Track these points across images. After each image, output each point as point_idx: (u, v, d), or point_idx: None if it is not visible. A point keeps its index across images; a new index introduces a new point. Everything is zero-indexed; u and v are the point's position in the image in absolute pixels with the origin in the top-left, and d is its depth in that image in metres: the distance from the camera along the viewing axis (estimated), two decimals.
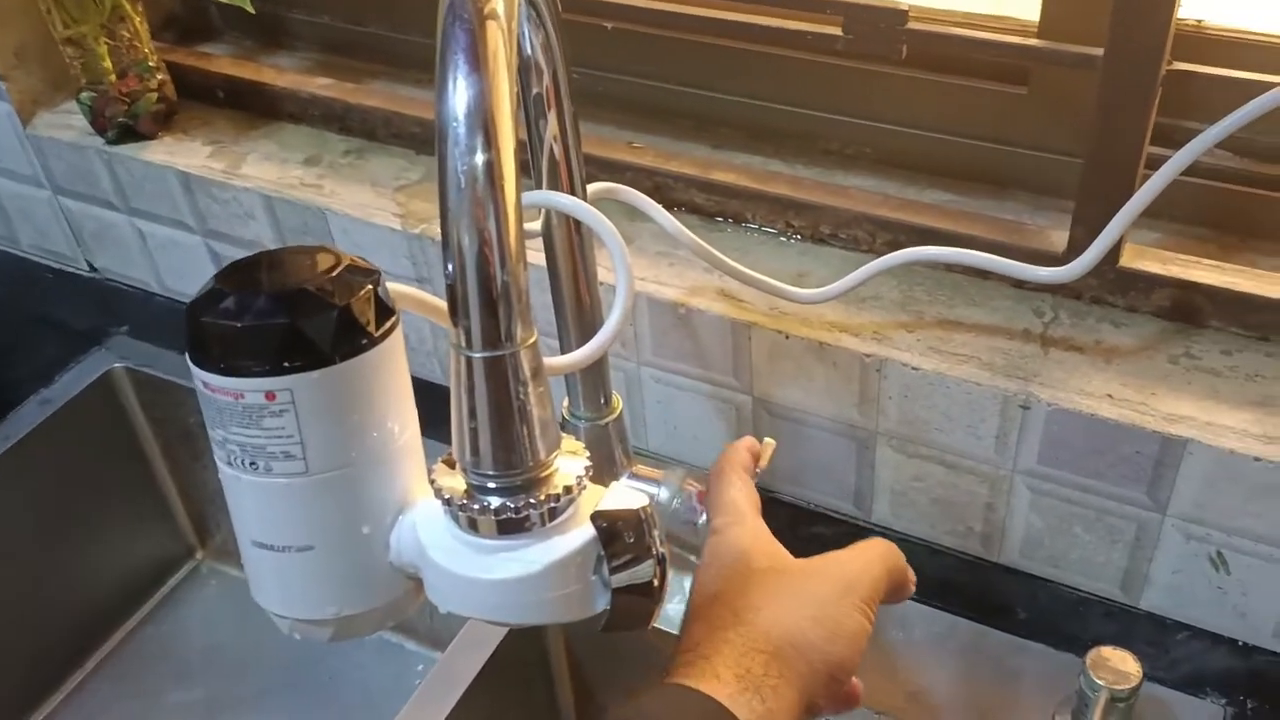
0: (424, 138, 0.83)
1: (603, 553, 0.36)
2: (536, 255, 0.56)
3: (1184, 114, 0.63)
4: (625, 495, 0.37)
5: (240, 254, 0.43)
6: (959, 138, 0.72)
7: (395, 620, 0.40)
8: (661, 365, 0.72)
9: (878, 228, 0.69)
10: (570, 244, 0.58)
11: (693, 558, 0.66)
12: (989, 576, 0.69)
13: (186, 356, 0.37)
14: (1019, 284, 0.67)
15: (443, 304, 0.39)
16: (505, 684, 0.67)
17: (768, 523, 0.73)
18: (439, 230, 0.34)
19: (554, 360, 0.49)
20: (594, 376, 0.63)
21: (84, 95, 0.85)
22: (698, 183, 0.74)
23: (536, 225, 0.58)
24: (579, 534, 0.36)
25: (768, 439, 0.61)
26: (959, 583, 0.69)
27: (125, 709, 0.91)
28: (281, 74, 0.89)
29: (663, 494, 0.66)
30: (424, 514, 0.38)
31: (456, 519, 0.37)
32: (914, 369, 0.63)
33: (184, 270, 0.92)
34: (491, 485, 0.36)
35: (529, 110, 0.53)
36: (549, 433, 0.36)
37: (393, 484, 0.38)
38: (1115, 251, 0.64)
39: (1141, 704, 0.61)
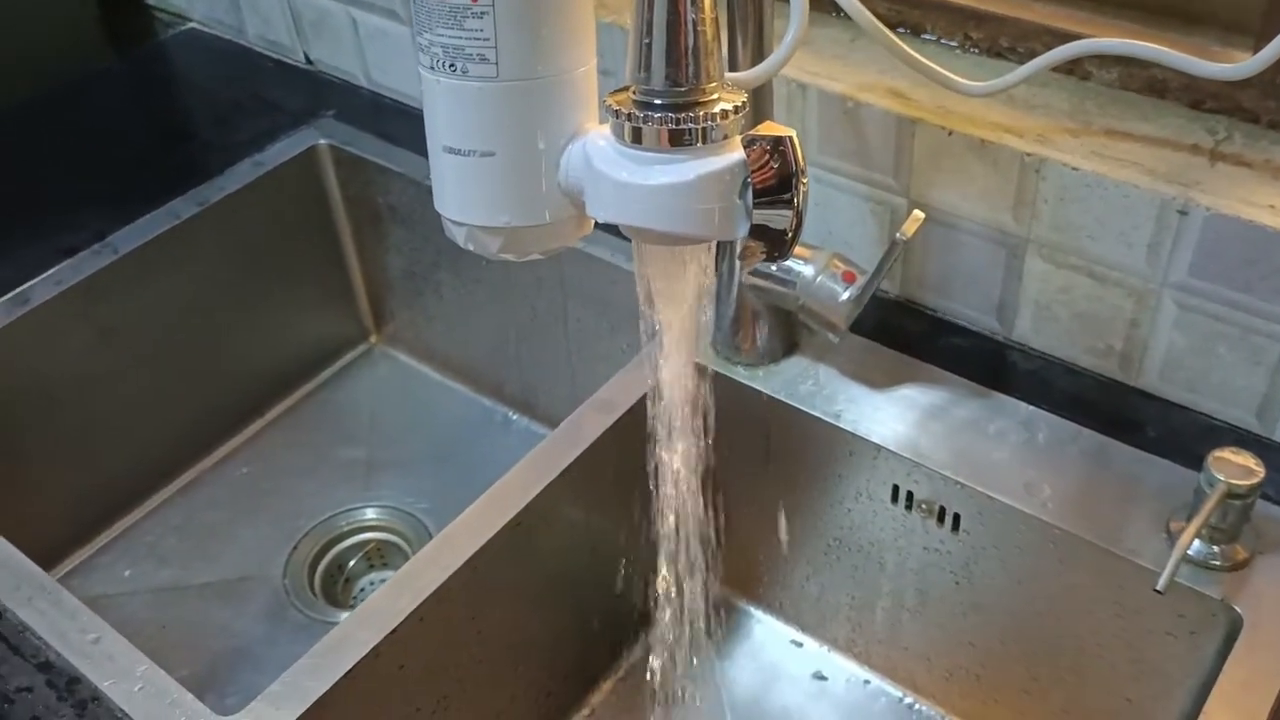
0: None
1: (749, 178, 0.40)
2: None
3: None
4: (775, 127, 0.40)
5: None
6: None
7: (558, 246, 0.45)
8: (823, 164, 0.75)
9: (1058, 40, 0.70)
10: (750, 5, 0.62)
11: (831, 335, 0.69)
12: (1124, 398, 0.70)
13: None
14: (1195, 104, 0.67)
15: None
16: (597, 471, 0.72)
17: (907, 331, 0.76)
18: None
19: (729, 75, 0.53)
20: None
21: None
22: None
23: None
24: (730, 155, 0.40)
25: (916, 211, 0.63)
26: (1091, 401, 0.70)
27: (296, 456, 1.00)
28: None
29: (809, 270, 0.69)
30: (593, 140, 0.42)
31: (621, 132, 0.41)
32: (1073, 169, 0.64)
33: (389, 64, 0.99)
34: (657, 101, 0.40)
35: None
36: (714, 63, 0.40)
37: (570, 107, 0.43)
38: None
39: (1263, 523, 0.62)
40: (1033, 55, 0.71)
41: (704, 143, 0.40)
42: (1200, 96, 0.67)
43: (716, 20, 0.40)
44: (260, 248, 0.98)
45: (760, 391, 0.73)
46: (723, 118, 0.40)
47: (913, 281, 0.76)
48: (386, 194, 0.97)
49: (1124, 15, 0.73)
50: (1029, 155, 0.65)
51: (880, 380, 0.73)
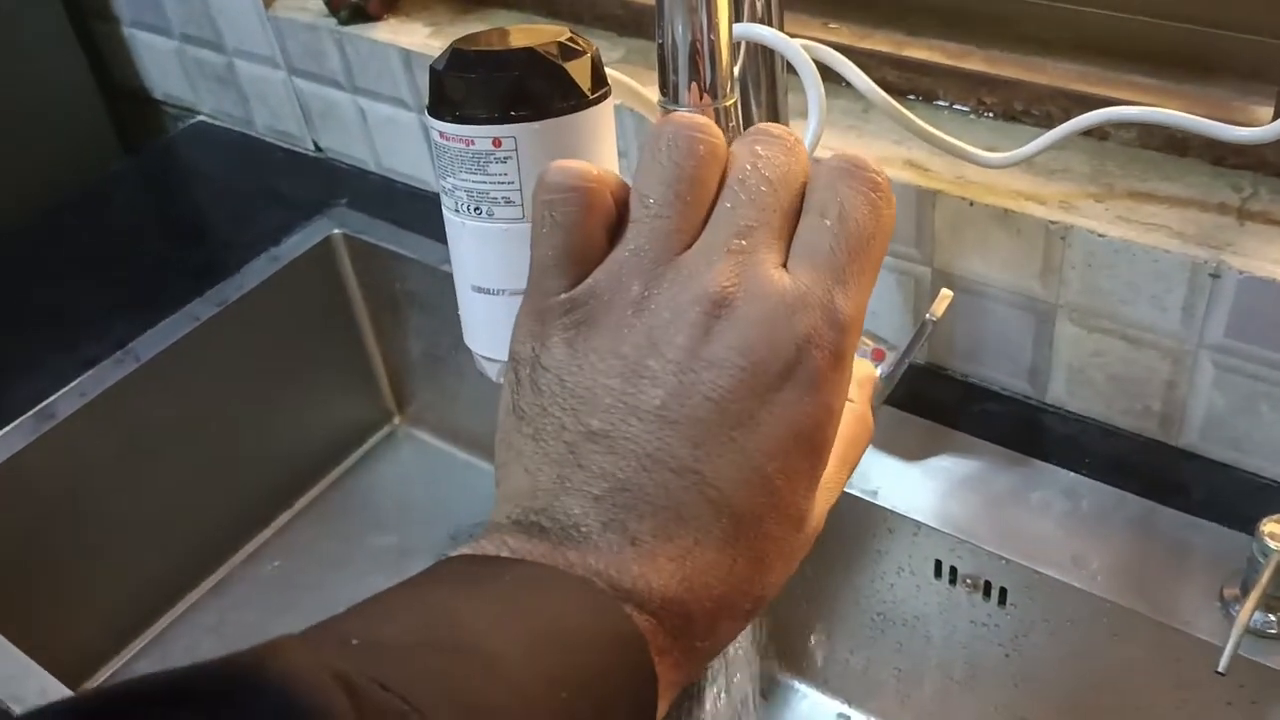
0: (625, 20, 0.87)
1: None
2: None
3: None
4: None
5: None
6: (1164, 20, 0.71)
7: None
8: None
9: (1073, 103, 0.69)
10: (764, 89, 0.61)
11: None
12: (1166, 459, 0.69)
13: (425, 113, 0.41)
14: (1217, 160, 0.66)
15: (644, 91, 0.43)
16: None
17: (939, 399, 0.75)
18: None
19: None
20: None
21: None
22: (890, 59, 0.75)
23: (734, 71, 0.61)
24: None
25: (944, 290, 0.62)
26: (1133, 463, 0.69)
27: (327, 548, 0.99)
28: None
29: None
30: None
31: None
32: (1100, 235, 0.63)
33: (399, 149, 0.99)
34: None
35: None
36: None
37: None
38: None
39: None
40: (1048, 118, 0.71)
41: None
42: (1222, 153, 0.66)
43: None
44: (280, 341, 0.97)
45: None
46: None
47: (941, 348, 0.75)
48: (403, 280, 0.97)
49: (1138, 70, 0.72)
50: (1054, 223, 0.65)
51: (915, 452, 0.72)
